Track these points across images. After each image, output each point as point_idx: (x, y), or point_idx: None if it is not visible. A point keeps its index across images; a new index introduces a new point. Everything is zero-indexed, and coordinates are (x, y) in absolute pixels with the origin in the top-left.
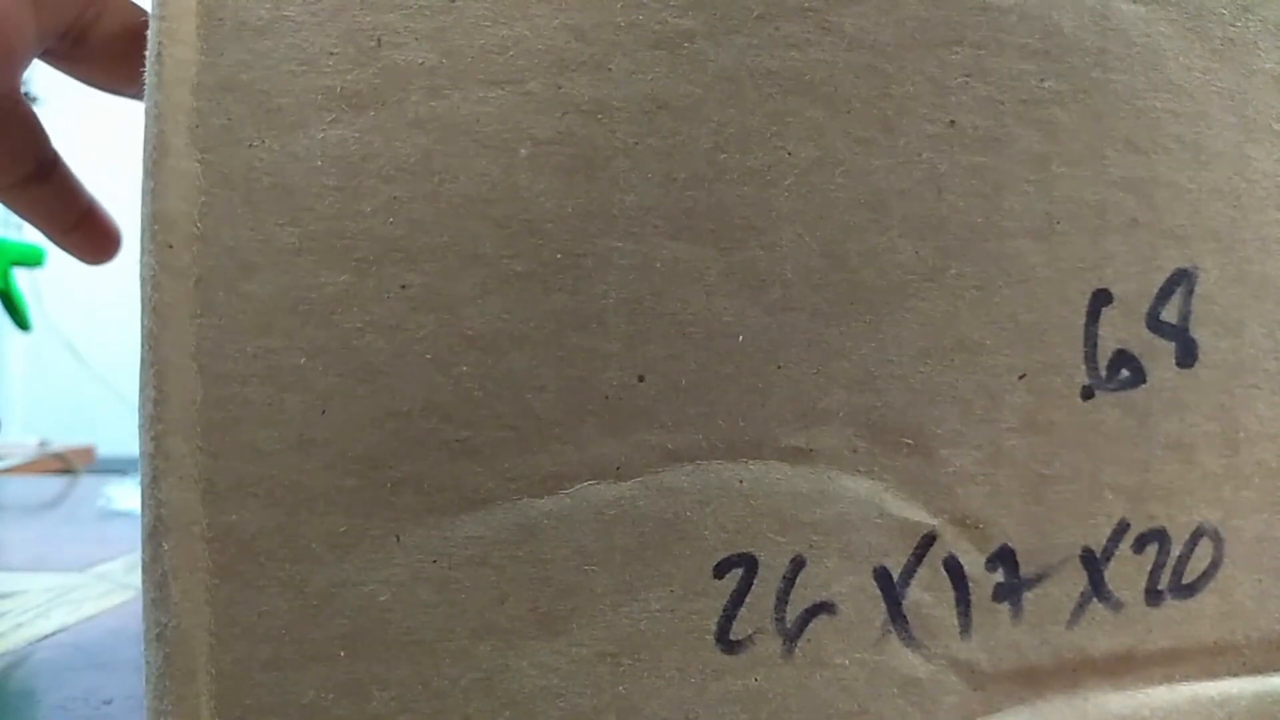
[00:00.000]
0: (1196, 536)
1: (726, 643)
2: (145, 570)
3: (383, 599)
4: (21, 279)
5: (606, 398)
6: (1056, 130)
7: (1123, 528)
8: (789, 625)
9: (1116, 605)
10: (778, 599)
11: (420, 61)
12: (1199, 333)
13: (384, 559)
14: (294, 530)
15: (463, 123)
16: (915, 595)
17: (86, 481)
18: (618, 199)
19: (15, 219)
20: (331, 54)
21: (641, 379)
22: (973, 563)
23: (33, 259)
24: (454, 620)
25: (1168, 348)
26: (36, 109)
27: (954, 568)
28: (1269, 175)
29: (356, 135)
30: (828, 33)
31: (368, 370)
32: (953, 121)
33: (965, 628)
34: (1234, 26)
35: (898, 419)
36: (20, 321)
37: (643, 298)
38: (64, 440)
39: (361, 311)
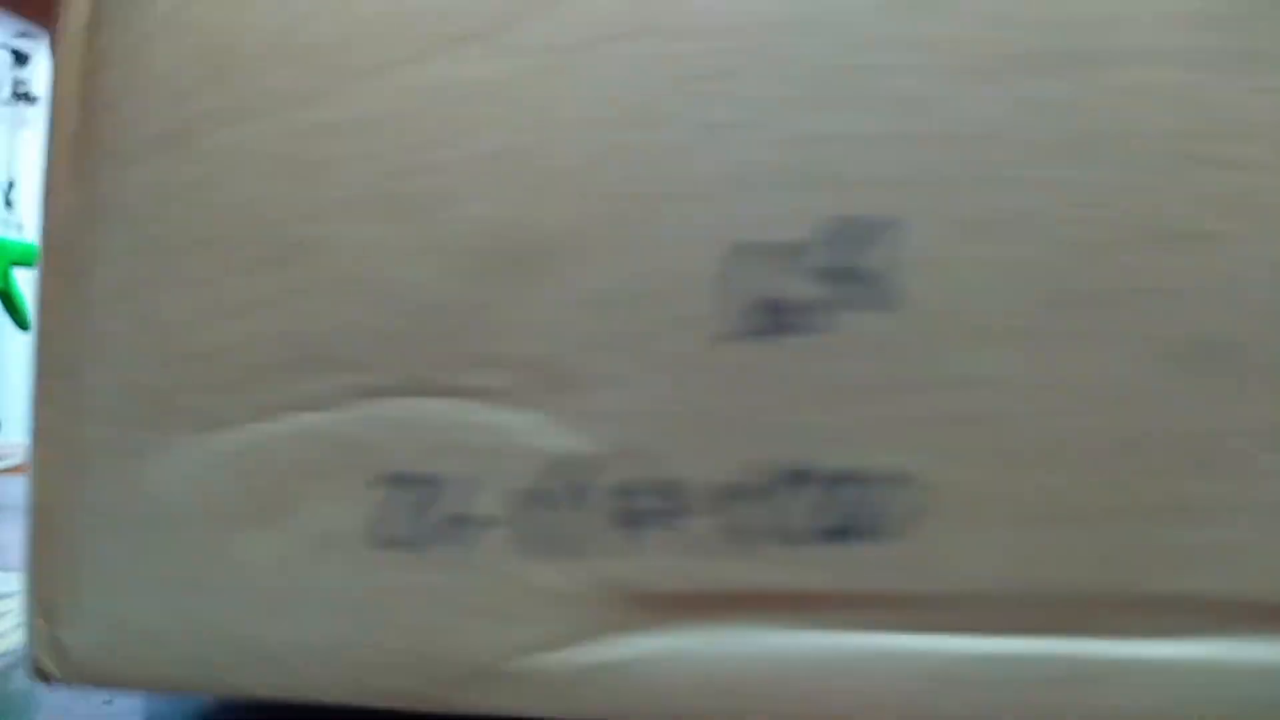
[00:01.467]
0: (892, 481)
1: (388, 541)
2: (32, 465)
3: (163, 490)
4: (22, 279)
5: (317, 346)
6: (732, 100)
7: (793, 466)
8: (439, 531)
9: (787, 540)
10: (433, 509)
11: (209, 108)
12: (884, 278)
13: (166, 461)
14: (114, 440)
15: (231, 149)
16: (558, 516)
17: None
18: (336, 194)
19: (15, 219)
20: (151, 108)
21: (340, 331)
22: (636, 490)
23: (33, 259)
24: (207, 508)
25: (837, 294)
26: (35, 109)
27: (618, 494)
28: (981, 116)
29: (162, 167)
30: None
31: (159, 330)
32: (614, 98)
33: (626, 550)
34: None
35: (562, 362)
36: (20, 321)
37: (355, 268)
38: None
39: (159, 289)
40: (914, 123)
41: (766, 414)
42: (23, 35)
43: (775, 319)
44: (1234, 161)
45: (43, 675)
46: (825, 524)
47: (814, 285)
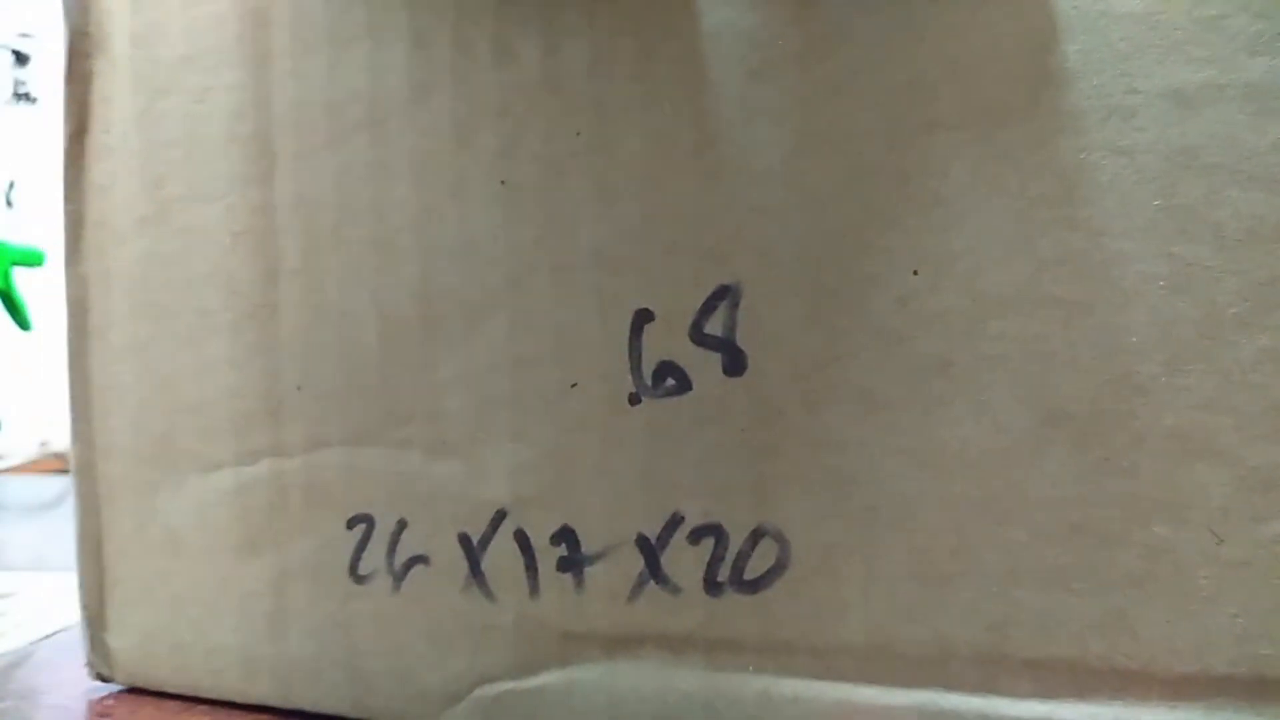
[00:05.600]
0: (756, 536)
1: (356, 575)
2: (74, 493)
3: (175, 520)
4: (22, 279)
5: (281, 400)
6: (594, 174)
7: (677, 520)
8: (396, 568)
9: (674, 589)
10: (388, 548)
11: (178, 192)
12: (747, 343)
13: (174, 497)
14: (133, 477)
15: (198, 226)
16: (491, 558)
17: None
18: (285, 265)
19: (15, 219)
20: (135, 193)
21: (299, 388)
22: (538, 537)
23: (33, 259)
24: (209, 539)
25: (713, 358)
26: (34, 109)
27: (522, 539)
28: (824, 184)
29: (148, 243)
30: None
31: (159, 383)
32: (503, 181)
33: (535, 589)
34: (777, 43)
35: (473, 418)
36: (20, 321)
37: (305, 329)
38: (64, 440)
39: (157, 348)
40: (759, 194)
41: (644, 470)
42: (23, 35)
43: (675, 382)
44: (1080, 225)
45: (100, 676)
46: (701, 575)
47: (690, 349)
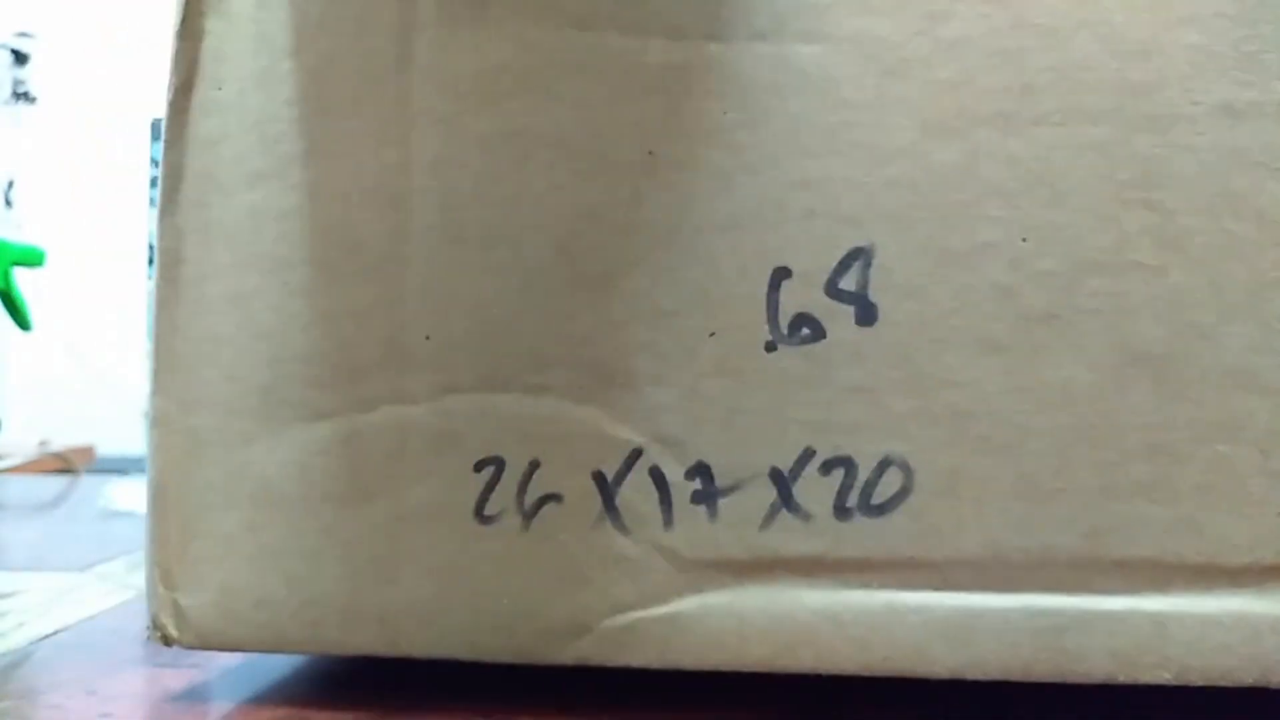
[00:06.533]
0: (884, 465)
1: (481, 516)
2: (149, 448)
3: (271, 471)
4: (21, 279)
5: (406, 350)
6: (738, 148)
7: (808, 454)
8: (526, 507)
9: (805, 516)
10: (519, 489)
11: (299, 149)
12: (878, 297)
13: (272, 448)
14: (224, 428)
15: (320, 183)
16: (626, 494)
17: (86, 481)
18: (417, 221)
19: (15, 219)
20: (250, 148)
21: (428, 337)
22: (673, 472)
23: (33, 259)
24: (311, 488)
25: (847, 310)
26: (34, 109)
27: (658, 475)
28: (948, 164)
29: (260, 197)
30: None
31: (263, 333)
32: (650, 151)
33: (669, 521)
34: (908, 46)
35: (611, 364)
36: (20, 321)
37: (439, 282)
38: (64, 440)
39: (263, 300)
40: (891, 169)
41: (778, 410)
42: (23, 35)
43: (810, 331)
44: (1156, 205)
45: (165, 639)
46: (831, 502)
47: (824, 302)
